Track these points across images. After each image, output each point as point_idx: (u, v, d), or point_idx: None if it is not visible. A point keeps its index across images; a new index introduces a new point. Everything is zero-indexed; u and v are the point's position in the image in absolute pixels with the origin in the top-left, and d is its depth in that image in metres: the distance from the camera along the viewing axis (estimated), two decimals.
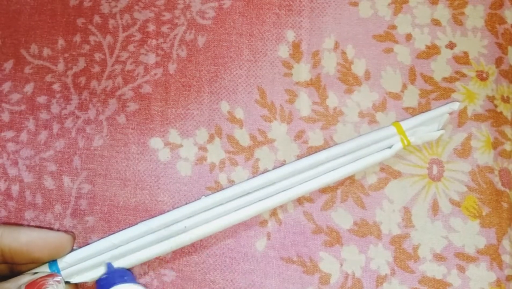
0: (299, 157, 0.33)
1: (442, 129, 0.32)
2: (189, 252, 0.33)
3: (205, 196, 0.32)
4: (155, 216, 0.31)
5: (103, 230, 0.33)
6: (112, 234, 0.30)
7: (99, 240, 0.30)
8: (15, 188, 0.34)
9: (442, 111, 0.32)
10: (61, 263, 0.29)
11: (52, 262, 0.29)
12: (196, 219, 0.30)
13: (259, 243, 0.33)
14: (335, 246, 0.32)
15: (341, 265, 0.32)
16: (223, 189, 0.32)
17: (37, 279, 0.27)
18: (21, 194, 0.34)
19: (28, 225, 0.34)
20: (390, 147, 0.32)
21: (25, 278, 0.27)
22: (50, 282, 0.27)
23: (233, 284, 0.32)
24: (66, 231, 0.31)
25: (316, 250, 0.32)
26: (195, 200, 0.32)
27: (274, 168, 0.33)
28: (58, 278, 0.27)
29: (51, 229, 0.33)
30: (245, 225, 0.33)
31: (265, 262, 0.32)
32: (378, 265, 0.32)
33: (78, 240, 0.33)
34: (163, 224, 0.30)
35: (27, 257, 0.28)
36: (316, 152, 0.33)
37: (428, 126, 0.32)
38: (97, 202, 0.34)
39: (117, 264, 0.30)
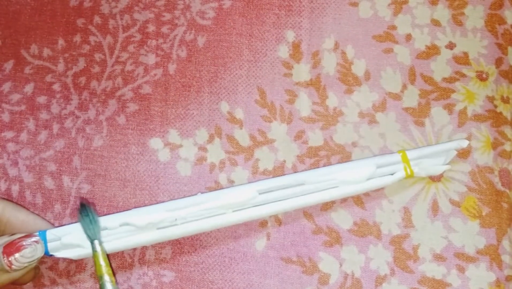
0: (299, 157, 0.33)
1: (447, 164, 0.32)
2: (188, 252, 0.33)
3: (201, 193, 0.32)
4: None
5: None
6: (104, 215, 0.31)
7: None
8: (15, 188, 0.34)
9: (450, 147, 0.32)
10: (49, 235, 0.29)
11: (42, 231, 0.29)
12: (188, 214, 0.30)
13: (258, 243, 0.33)
14: (335, 246, 0.32)
15: (341, 265, 0.32)
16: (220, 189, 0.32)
17: (14, 240, 0.28)
18: (21, 194, 0.34)
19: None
20: (392, 174, 0.31)
21: (3, 239, 0.28)
22: (28, 242, 0.28)
23: (232, 284, 0.32)
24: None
25: (316, 250, 0.32)
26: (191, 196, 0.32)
27: (273, 168, 0.33)
28: (35, 238, 0.28)
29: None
30: (245, 225, 0.33)
31: (264, 262, 0.32)
32: (378, 265, 0.32)
33: None
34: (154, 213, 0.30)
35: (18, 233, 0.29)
36: (315, 152, 0.33)
37: (433, 159, 0.32)
38: (97, 202, 0.34)
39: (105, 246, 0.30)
